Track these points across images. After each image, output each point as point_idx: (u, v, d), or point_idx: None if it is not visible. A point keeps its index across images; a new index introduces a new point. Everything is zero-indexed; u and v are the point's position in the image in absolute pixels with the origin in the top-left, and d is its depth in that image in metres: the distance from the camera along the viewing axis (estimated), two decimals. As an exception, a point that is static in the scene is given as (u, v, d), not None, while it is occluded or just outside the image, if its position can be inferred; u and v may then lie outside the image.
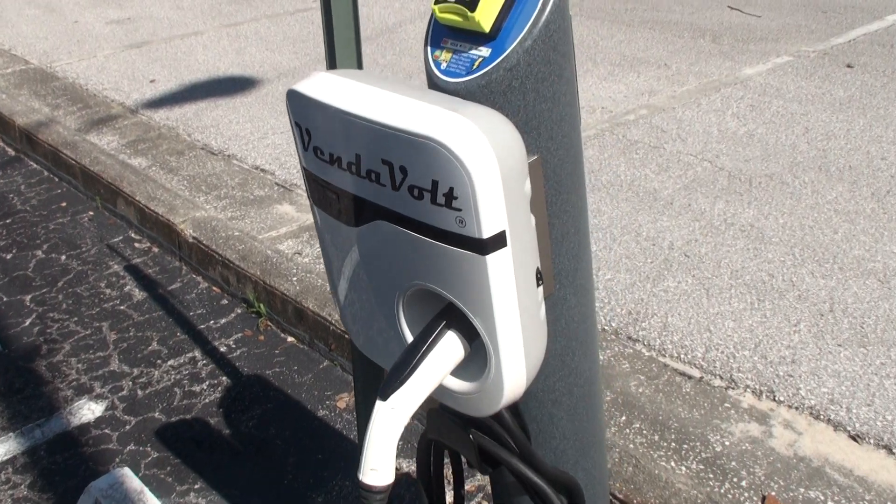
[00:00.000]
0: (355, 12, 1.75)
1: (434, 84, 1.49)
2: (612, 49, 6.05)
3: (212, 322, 3.51)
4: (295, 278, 3.41)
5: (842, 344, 3.05)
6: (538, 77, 1.45)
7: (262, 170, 4.57)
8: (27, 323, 3.56)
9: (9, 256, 4.09)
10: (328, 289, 3.43)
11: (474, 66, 1.48)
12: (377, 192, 1.38)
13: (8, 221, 4.40)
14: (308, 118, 1.47)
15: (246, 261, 3.57)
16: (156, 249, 4.07)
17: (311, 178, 1.53)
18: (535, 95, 1.45)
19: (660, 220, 3.87)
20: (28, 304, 3.69)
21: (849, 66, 5.46)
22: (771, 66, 5.59)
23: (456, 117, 1.28)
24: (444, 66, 1.51)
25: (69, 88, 5.89)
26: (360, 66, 1.85)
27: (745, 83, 5.32)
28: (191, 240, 3.76)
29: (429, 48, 1.57)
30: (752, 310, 3.26)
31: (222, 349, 3.34)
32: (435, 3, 1.54)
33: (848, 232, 3.71)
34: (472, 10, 1.46)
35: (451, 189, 1.26)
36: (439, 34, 1.57)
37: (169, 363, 3.26)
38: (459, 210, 1.27)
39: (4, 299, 3.73)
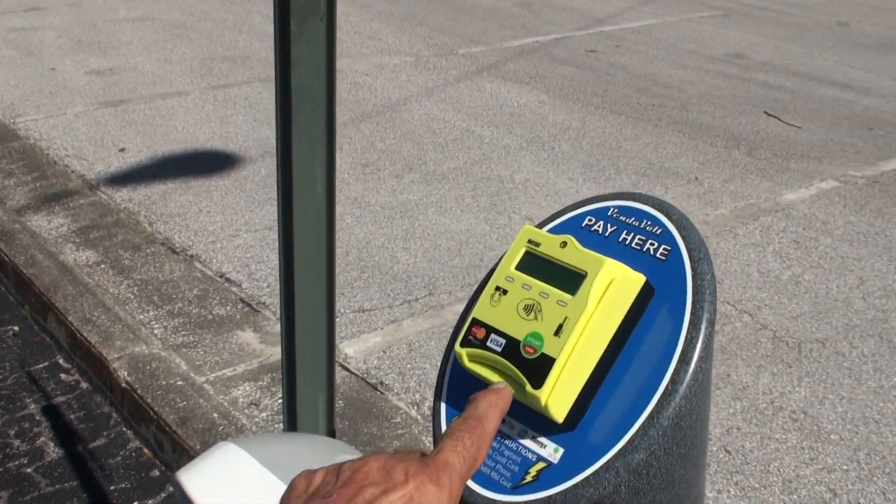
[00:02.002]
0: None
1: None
2: (636, 153, 5.43)
3: (135, 503, 2.82)
4: (243, 457, 2.73)
5: None
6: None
7: (228, 279, 3.91)
8: (-89, 476, 2.88)
9: (-88, 372, 3.42)
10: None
11: (528, 477, 0.83)
12: None
13: (-81, 325, 3.73)
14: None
15: (186, 426, 2.89)
16: (84, 385, 3.38)
17: None
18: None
19: (694, 395, 3.21)
20: (-83, 449, 3.01)
21: (904, 199, 4.84)
22: (815, 191, 4.96)
23: None
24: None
25: (28, 152, 5.24)
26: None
27: (787, 211, 4.69)
28: (124, 384, 3.09)
29: (443, 405, 0.92)
30: (812, 545, 2.59)
31: (143, 545, 2.65)
32: (461, 345, 0.89)
33: (922, 434, 3.05)
34: (537, 384, 0.82)
35: None
36: (464, 384, 0.92)
37: (72, 562, 2.58)
38: None
39: None
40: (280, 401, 3.16)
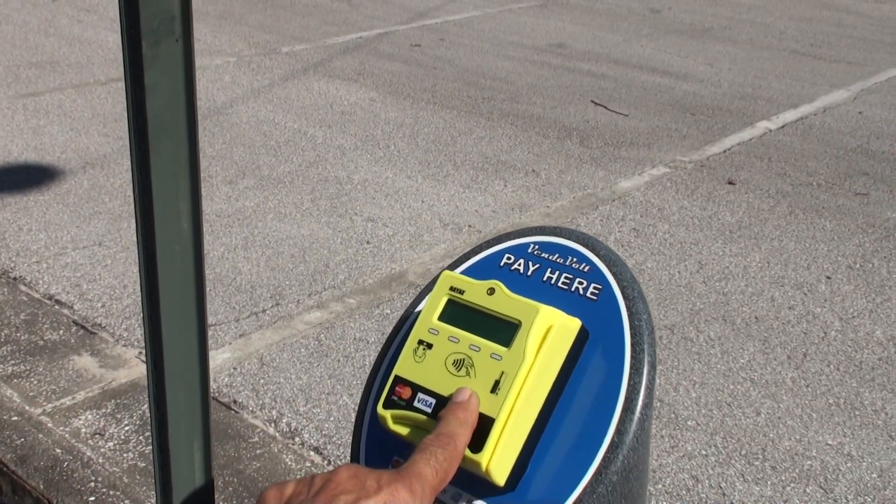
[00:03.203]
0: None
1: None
2: (472, 148, 5.42)
3: (-26, 553, 2.60)
4: (93, 497, 2.55)
5: (797, 590, 2.45)
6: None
7: (58, 301, 3.67)
8: None
9: None
10: (138, 511, 2.58)
11: None
12: None
13: None
14: None
15: (25, 464, 2.67)
16: None
17: None
18: None
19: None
20: None
21: (730, 182, 5.01)
22: (648, 178, 5.08)
23: None
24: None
25: None
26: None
27: (623, 199, 4.78)
28: (-49, 426, 2.84)
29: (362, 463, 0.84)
30: (681, 534, 2.62)
31: None
32: (384, 406, 0.81)
33: (771, 413, 3.14)
34: (476, 447, 0.74)
35: None
36: (384, 445, 0.84)
37: None
38: None
39: None
40: (127, 427, 2.98)
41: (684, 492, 2.78)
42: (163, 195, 1.08)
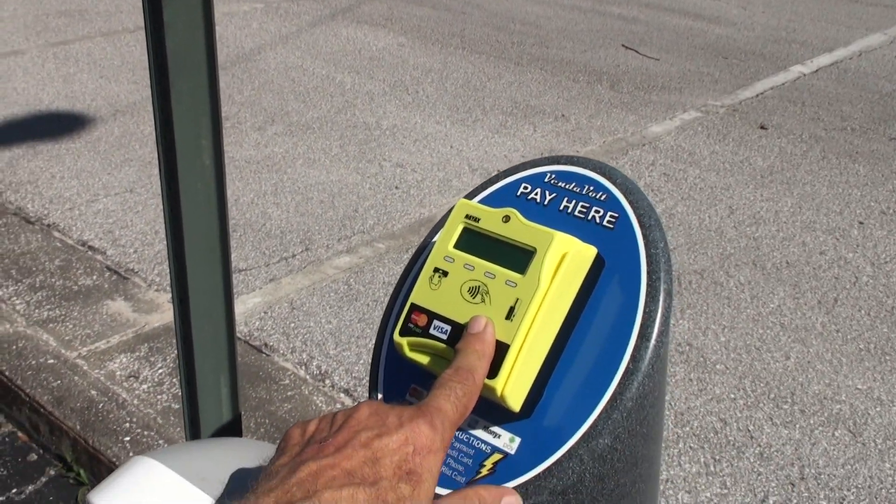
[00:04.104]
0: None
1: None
2: (501, 93, 5.38)
3: (14, 491, 2.65)
4: (128, 437, 2.59)
5: (824, 531, 2.46)
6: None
7: (91, 247, 3.70)
8: None
9: None
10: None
11: (484, 470, 0.77)
12: None
13: None
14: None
15: (62, 406, 2.72)
16: (-57, 372, 3.16)
17: None
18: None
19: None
20: None
21: (762, 127, 4.95)
22: (679, 123, 5.03)
23: None
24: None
25: None
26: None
27: (653, 144, 4.74)
28: (-11, 368, 2.89)
29: (380, 398, 0.84)
30: (709, 475, 2.63)
31: (24, 539, 2.50)
32: (400, 334, 0.81)
33: (801, 357, 3.13)
34: (492, 373, 0.75)
35: None
36: (402, 374, 0.85)
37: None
38: None
39: None
40: (161, 370, 3.02)
41: (712, 434, 2.78)
42: (184, 133, 1.09)
